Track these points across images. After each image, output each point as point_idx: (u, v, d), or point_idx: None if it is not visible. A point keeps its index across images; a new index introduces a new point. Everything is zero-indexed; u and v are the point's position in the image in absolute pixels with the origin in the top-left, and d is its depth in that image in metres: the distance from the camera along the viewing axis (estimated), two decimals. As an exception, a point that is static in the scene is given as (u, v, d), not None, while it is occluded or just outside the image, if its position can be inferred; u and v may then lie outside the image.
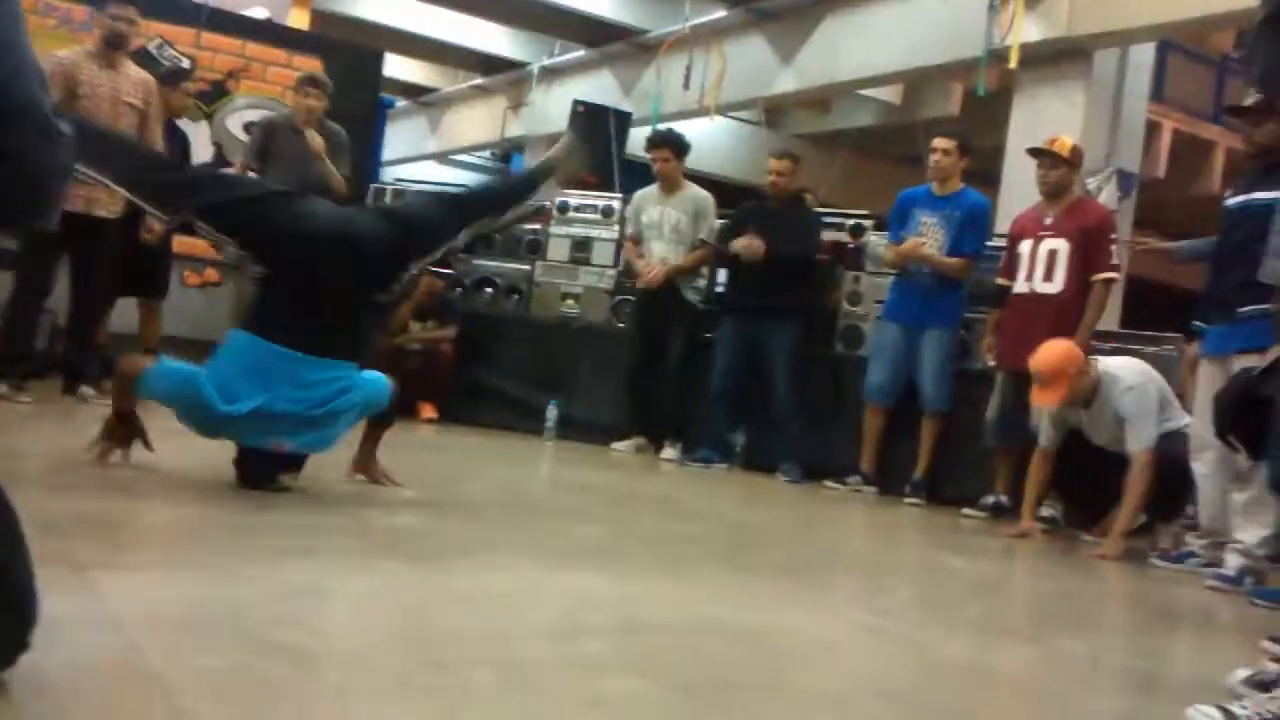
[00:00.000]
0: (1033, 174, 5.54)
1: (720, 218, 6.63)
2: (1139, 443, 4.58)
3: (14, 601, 1.46)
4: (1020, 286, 5.41)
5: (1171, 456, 4.54)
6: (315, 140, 6.13)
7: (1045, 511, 5.17)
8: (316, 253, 3.41)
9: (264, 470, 3.32)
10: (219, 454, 3.41)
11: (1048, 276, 5.31)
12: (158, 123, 5.58)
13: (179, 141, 6.33)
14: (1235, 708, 2.06)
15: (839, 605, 3.07)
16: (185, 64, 7.44)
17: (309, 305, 3.36)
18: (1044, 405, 4.74)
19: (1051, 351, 4.71)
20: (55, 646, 1.55)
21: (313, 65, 7.75)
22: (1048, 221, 5.39)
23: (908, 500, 5.71)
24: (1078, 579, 4.26)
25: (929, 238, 5.83)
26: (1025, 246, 5.42)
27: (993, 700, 2.18)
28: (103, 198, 5.08)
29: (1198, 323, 4.59)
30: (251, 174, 6.18)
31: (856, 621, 2.78)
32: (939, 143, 5.93)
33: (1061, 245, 5.29)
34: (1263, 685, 2.28)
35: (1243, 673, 2.36)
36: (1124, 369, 4.77)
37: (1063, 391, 4.63)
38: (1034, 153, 5.51)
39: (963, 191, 5.90)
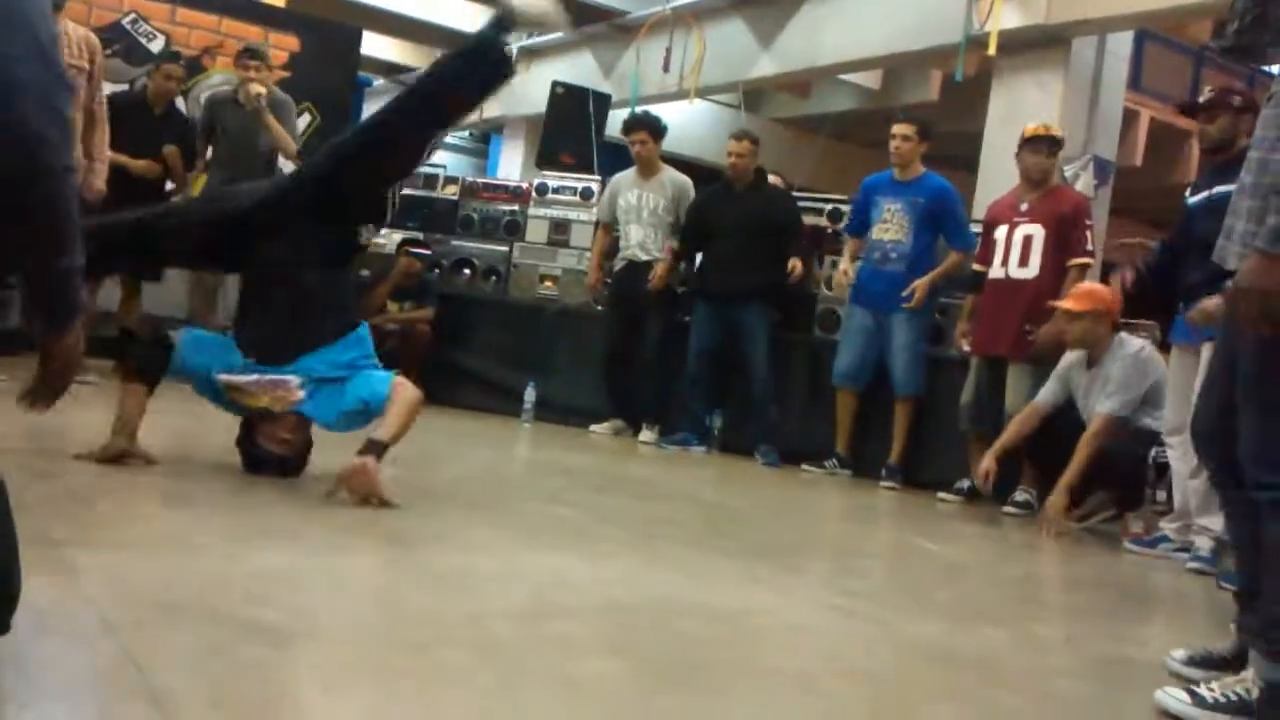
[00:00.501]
0: (1011, 161, 5.56)
1: None
2: (1106, 406, 4.68)
3: None
4: (996, 272, 5.44)
5: (1133, 450, 4.68)
6: (257, 104, 6.01)
7: (1020, 496, 5.22)
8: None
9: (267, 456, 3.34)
10: (197, 437, 3.39)
11: (1023, 262, 5.35)
12: (100, 87, 5.49)
13: (177, 123, 6.29)
14: (1203, 690, 2.08)
15: (811, 587, 3.09)
16: (160, 40, 7.38)
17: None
18: (1060, 307, 4.86)
19: (1097, 285, 5.12)
20: (30, 625, 1.55)
21: (289, 43, 7.69)
22: (1023, 207, 5.42)
23: (883, 484, 5.74)
24: (1050, 563, 4.31)
25: (893, 224, 5.85)
26: (1001, 232, 5.44)
27: (961, 682, 2.21)
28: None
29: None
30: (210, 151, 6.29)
31: (828, 603, 2.81)
32: (898, 128, 5.92)
33: (1037, 231, 5.33)
34: (1207, 663, 2.32)
35: (1181, 653, 2.40)
36: (1138, 340, 4.92)
37: (1085, 307, 4.77)
38: (1034, 140, 5.42)
39: (924, 176, 5.90)
